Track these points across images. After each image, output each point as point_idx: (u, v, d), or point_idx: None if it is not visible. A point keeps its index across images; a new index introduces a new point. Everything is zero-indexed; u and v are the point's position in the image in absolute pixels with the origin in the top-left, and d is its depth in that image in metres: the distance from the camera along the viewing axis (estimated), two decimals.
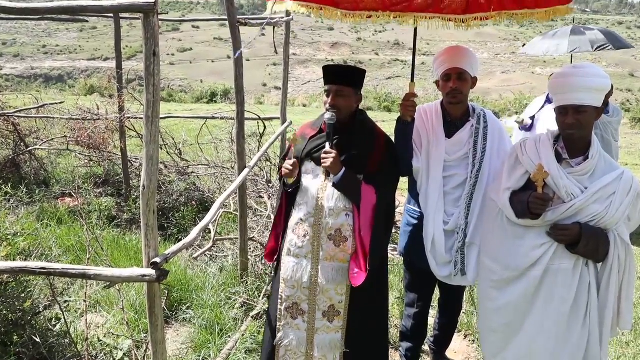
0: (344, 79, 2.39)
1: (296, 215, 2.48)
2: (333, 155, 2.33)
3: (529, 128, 5.05)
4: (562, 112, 2.08)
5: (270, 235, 2.64)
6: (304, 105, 21.35)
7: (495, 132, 2.57)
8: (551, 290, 2.10)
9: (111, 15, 5.20)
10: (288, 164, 2.42)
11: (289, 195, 2.52)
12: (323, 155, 2.35)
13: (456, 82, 2.48)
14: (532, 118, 5.03)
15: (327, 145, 2.36)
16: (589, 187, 2.04)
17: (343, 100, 2.38)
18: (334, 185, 2.38)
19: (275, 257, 2.59)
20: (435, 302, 3.18)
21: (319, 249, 2.42)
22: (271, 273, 3.64)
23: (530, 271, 2.12)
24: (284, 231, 2.55)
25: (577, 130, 2.05)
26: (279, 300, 2.50)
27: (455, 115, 2.57)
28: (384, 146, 2.47)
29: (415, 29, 2.54)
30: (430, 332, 3.12)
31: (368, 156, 2.42)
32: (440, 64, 2.54)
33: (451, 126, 2.58)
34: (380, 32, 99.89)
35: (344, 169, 2.35)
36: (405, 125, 2.47)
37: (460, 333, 3.51)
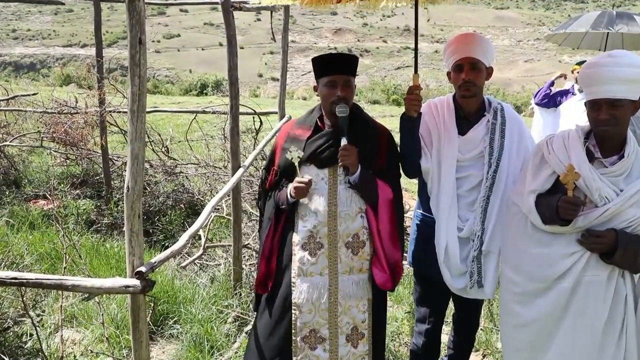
0: (349, 68, 2.39)
1: (303, 228, 2.42)
2: (353, 150, 2.32)
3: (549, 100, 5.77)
4: (595, 107, 2.06)
5: (260, 262, 2.52)
6: (304, 99, 21.38)
7: (514, 129, 2.54)
8: (583, 304, 2.07)
9: None
10: (302, 181, 2.33)
11: (285, 211, 2.46)
12: (342, 152, 2.31)
13: (469, 73, 2.45)
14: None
15: (344, 140, 2.33)
16: (625, 189, 2.02)
17: (350, 90, 2.39)
18: (353, 185, 2.37)
19: (271, 283, 2.49)
20: (449, 317, 3.17)
21: (336, 261, 2.41)
22: None
23: (559, 283, 2.10)
24: (279, 252, 2.47)
25: (611, 127, 2.02)
26: (293, 331, 2.43)
27: (469, 109, 2.56)
28: (388, 140, 2.52)
29: (416, 11, 2.54)
30: (444, 351, 3.11)
31: (375, 151, 2.44)
32: (450, 54, 2.52)
33: (464, 122, 2.56)
34: (388, 17, 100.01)
35: (360, 166, 2.36)
36: (411, 121, 2.46)
37: (478, 352, 3.49)
